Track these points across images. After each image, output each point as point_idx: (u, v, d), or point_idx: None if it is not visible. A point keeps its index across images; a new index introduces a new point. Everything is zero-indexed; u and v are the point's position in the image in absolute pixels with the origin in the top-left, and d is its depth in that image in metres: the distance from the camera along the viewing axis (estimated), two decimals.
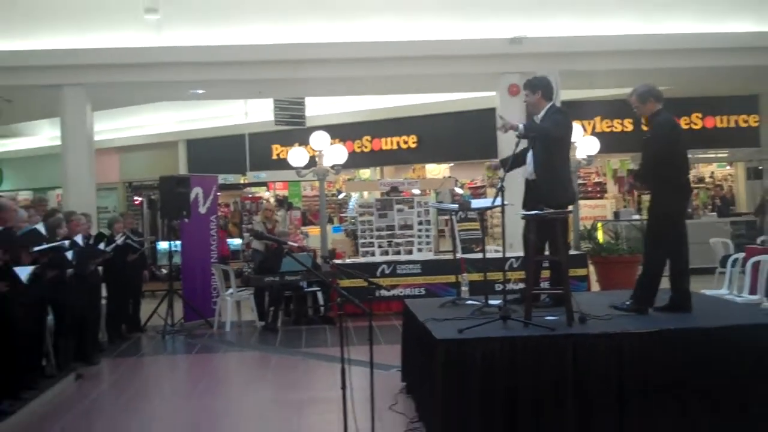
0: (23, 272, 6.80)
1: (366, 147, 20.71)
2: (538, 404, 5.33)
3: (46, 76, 13.58)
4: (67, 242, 8.23)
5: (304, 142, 14.65)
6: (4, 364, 6.84)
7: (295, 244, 12.84)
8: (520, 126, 6.64)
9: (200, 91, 15.81)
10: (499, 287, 9.14)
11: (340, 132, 18.05)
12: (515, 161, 6.85)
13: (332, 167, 13.13)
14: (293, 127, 18.55)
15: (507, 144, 10.22)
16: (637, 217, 16.53)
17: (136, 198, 22.07)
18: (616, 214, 17.66)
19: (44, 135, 22.58)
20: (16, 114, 14.63)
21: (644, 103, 6.50)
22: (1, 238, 6.30)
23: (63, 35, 13.31)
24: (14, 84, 12.67)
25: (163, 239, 15.88)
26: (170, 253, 12.03)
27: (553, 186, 6.70)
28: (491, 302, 6.82)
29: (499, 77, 14.04)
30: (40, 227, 7.79)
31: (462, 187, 21.09)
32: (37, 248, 7.29)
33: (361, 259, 12.85)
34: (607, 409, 5.37)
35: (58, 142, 14.76)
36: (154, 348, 10.74)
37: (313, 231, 16.08)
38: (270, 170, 19.95)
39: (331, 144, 13.33)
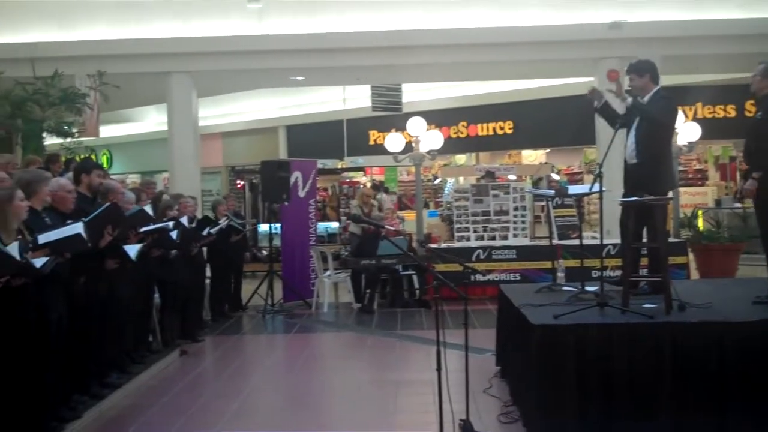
0: (132, 250, 6.87)
1: (462, 133, 20.68)
2: (634, 392, 5.27)
3: (155, 64, 14.06)
4: (171, 223, 8.35)
5: (401, 128, 14.77)
6: (113, 339, 7.07)
7: (392, 228, 12.95)
8: (629, 99, 6.62)
9: (300, 78, 16.07)
10: (596, 274, 9.04)
11: (436, 118, 18.08)
12: (607, 110, 6.90)
13: (428, 153, 13.23)
14: (390, 113, 18.65)
15: (604, 130, 10.09)
16: (738, 205, 16.06)
17: (238, 181, 22.59)
18: (718, 202, 17.23)
19: (151, 120, 23.24)
20: (125, 100, 15.15)
21: (764, 78, 6.32)
22: (110, 214, 6.42)
23: (171, 24, 13.76)
24: (124, 71, 13.14)
25: (264, 222, 16.23)
26: (270, 235, 12.28)
27: (655, 171, 6.59)
28: (588, 289, 6.75)
29: (598, 62, 13.81)
30: (148, 209, 7.88)
31: (558, 173, 20.89)
32: (143, 228, 7.38)
33: (457, 244, 12.87)
34: (707, 399, 5.26)
35: (165, 128, 15.28)
36: (255, 327, 10.99)
37: (409, 215, 16.21)
38: (367, 155, 20.13)
39: (428, 130, 13.42)
